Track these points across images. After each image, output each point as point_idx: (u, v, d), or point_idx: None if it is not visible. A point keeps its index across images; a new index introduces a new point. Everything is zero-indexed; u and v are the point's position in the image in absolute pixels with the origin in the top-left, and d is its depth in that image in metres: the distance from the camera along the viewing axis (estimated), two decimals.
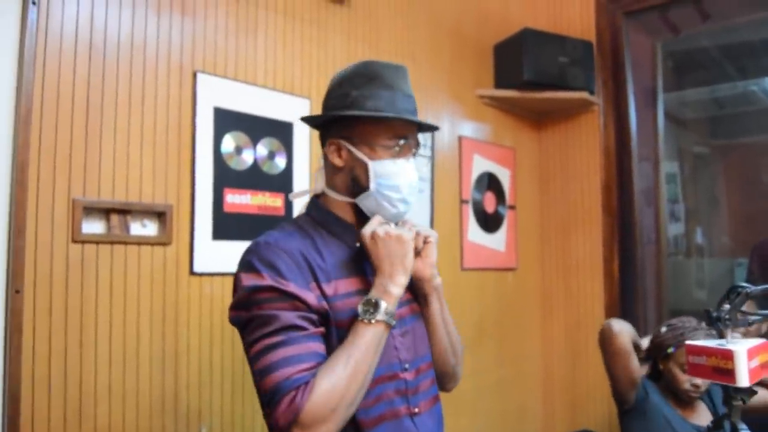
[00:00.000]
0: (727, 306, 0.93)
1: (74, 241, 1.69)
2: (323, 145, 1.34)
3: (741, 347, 0.88)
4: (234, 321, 1.19)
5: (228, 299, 1.97)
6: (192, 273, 1.92)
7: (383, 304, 1.13)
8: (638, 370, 1.99)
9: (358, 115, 1.23)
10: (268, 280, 1.13)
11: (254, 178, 2.09)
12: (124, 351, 1.77)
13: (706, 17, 3.28)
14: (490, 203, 3.03)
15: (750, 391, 0.90)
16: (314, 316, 1.14)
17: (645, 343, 2.08)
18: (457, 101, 2.87)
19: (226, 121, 2.02)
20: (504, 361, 3.03)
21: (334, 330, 1.17)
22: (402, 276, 1.18)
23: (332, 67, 2.35)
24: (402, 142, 1.25)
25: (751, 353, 0.89)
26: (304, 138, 2.23)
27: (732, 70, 4.29)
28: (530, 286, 3.28)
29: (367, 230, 1.21)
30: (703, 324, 2.02)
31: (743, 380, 0.87)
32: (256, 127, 2.10)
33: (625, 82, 3.14)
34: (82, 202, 1.70)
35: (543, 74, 2.95)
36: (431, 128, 1.35)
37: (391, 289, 1.16)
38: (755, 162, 5.30)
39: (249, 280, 1.15)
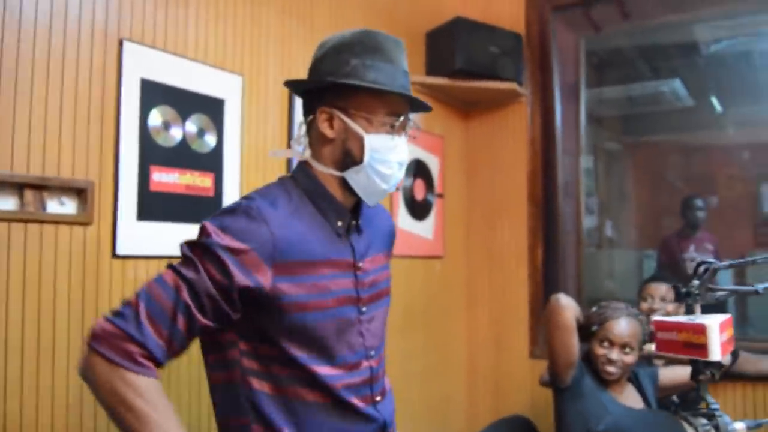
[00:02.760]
0: (696, 281, 0.94)
1: None
2: (310, 112, 1.27)
3: (713, 321, 0.88)
4: (181, 248, 1.16)
5: None
6: (115, 256, 1.78)
7: None
8: (577, 348, 2.02)
9: (359, 85, 1.18)
10: (222, 245, 1.11)
11: (182, 156, 1.97)
12: (39, 341, 1.62)
13: (626, 16, 3.39)
14: (419, 190, 3.02)
15: (719, 365, 0.91)
16: (236, 300, 1.12)
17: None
18: None
19: (153, 94, 1.89)
20: (430, 349, 3.03)
21: (293, 314, 1.14)
22: None
23: (265, 45, 2.26)
24: (400, 118, 1.22)
25: (723, 327, 0.89)
26: (236, 117, 2.13)
27: (645, 69, 4.48)
28: (456, 274, 3.29)
29: None
30: (630, 307, 2.10)
31: (716, 354, 0.87)
32: (185, 103, 1.98)
33: (552, 75, 3.20)
34: None
35: (474, 63, 2.95)
36: (426, 108, 1.31)
37: None
38: (662, 160, 5.59)
39: (209, 233, 1.13)
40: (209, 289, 1.10)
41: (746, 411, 2.66)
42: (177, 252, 1.91)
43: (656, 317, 0.98)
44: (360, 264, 1.28)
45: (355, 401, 1.21)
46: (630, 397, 2.01)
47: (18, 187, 1.60)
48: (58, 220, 1.67)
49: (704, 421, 0.91)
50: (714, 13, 3.34)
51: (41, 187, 1.64)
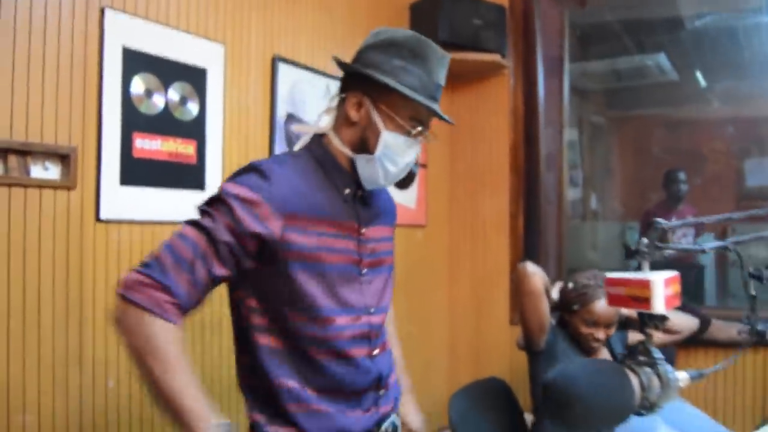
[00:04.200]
0: (644, 240, 0.99)
1: None
2: (345, 91, 1.35)
3: (658, 277, 0.93)
4: (198, 207, 1.24)
5: (138, 247, 1.91)
6: (98, 220, 1.82)
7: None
8: (548, 313, 2.07)
9: (392, 86, 1.25)
10: (236, 195, 1.19)
11: (165, 124, 2.00)
12: (24, 301, 1.67)
13: None
14: None
15: (663, 318, 0.96)
16: (250, 247, 1.20)
17: (554, 292, 2.18)
18: None
19: (135, 62, 1.92)
20: (412, 315, 3.09)
21: (297, 263, 1.23)
22: None
23: (247, 15, 2.27)
24: (419, 127, 1.31)
25: (667, 282, 0.95)
26: (218, 85, 2.15)
27: (630, 44, 4.50)
28: (438, 243, 3.35)
29: None
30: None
31: (659, 307, 0.93)
32: (167, 71, 2.01)
33: (535, 47, 3.23)
34: None
35: (458, 35, 2.98)
36: (448, 122, 1.38)
37: None
38: (646, 133, 5.63)
39: (226, 189, 1.21)
40: (224, 235, 1.17)
41: (716, 376, 2.75)
42: (160, 217, 1.97)
43: (609, 274, 1.04)
44: (363, 230, 1.36)
45: (353, 352, 1.30)
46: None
47: (2, 152, 1.64)
48: (42, 185, 1.71)
49: (648, 369, 0.98)
50: None
51: (25, 152, 1.68)
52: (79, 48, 1.79)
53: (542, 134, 3.27)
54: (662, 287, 0.93)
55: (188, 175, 2.06)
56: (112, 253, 1.86)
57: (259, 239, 1.20)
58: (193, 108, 2.08)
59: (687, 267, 4.13)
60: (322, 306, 1.26)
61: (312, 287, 1.25)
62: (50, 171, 1.75)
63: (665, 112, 5.52)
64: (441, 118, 1.33)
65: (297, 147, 1.41)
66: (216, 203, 1.21)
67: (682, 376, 1.00)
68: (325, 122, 1.38)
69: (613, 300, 1.01)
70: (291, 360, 1.26)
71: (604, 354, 2.11)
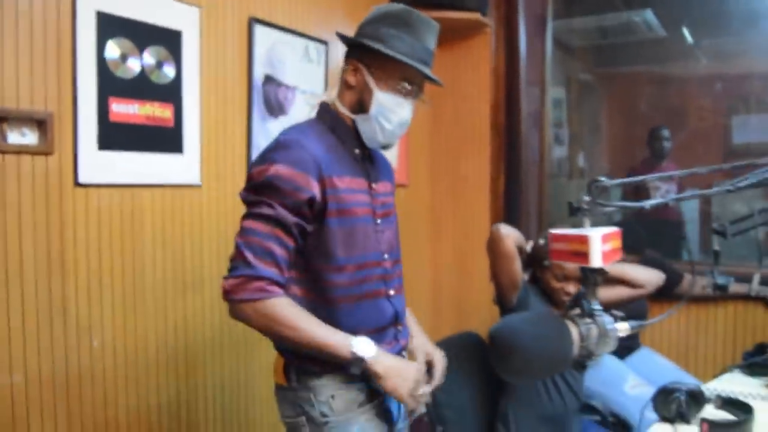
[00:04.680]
0: (586, 198, 1.04)
1: None
2: (346, 62, 1.51)
3: (596, 233, 0.98)
4: (243, 197, 1.41)
5: (118, 210, 1.96)
6: (77, 184, 1.86)
7: (365, 355, 1.33)
8: (520, 273, 2.13)
9: (380, 49, 1.40)
10: (279, 175, 1.33)
11: (141, 88, 2.02)
12: (6, 263, 1.71)
13: None
14: None
15: (602, 271, 1.01)
16: (307, 213, 1.36)
17: (529, 247, 2.24)
18: (351, 16, 2.85)
19: (109, 26, 1.93)
20: None
21: (334, 219, 1.40)
22: (382, 376, 1.36)
23: None
24: (407, 85, 1.45)
25: (605, 238, 0.99)
26: (194, 48, 2.17)
27: (616, 0, 4.47)
28: (421, 202, 3.40)
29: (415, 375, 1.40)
30: None
31: (597, 261, 0.98)
32: (142, 35, 2.02)
33: (517, 5, 3.22)
34: None
35: None
36: (437, 83, 1.50)
37: (376, 366, 1.34)
38: (634, 90, 5.61)
39: (263, 172, 1.35)
40: (286, 216, 1.34)
41: (689, 327, 2.84)
42: (139, 180, 2.01)
43: (552, 230, 1.08)
44: (374, 185, 1.54)
45: (373, 293, 1.49)
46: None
47: None
48: (19, 150, 1.74)
49: (588, 320, 1.03)
50: None
51: (1, 118, 1.70)
52: (51, 13, 1.80)
53: (524, 93, 3.28)
54: (599, 243, 0.97)
55: (166, 139, 2.09)
56: (92, 216, 1.90)
57: (310, 204, 1.36)
58: (169, 71, 2.10)
59: (671, 223, 4.19)
60: (347, 255, 1.43)
61: (340, 239, 1.42)
62: (27, 137, 1.78)
63: (653, 68, 5.49)
64: (428, 78, 1.47)
65: (312, 113, 1.56)
66: (263, 189, 1.35)
67: (621, 327, 1.05)
68: (333, 94, 1.54)
69: (556, 254, 1.06)
70: (321, 307, 1.42)
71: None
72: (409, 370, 1.38)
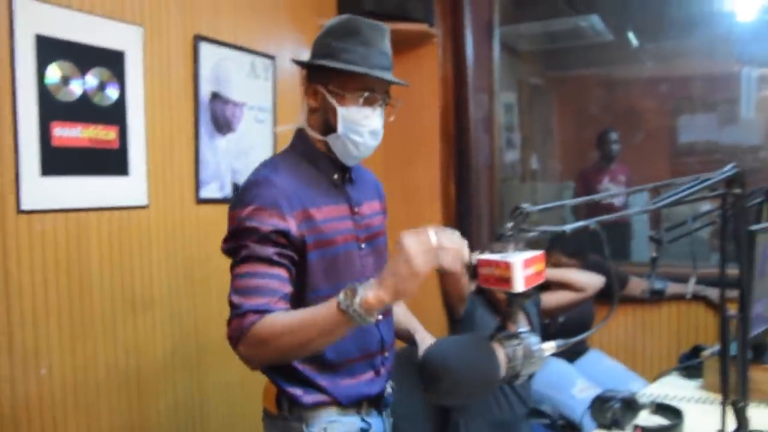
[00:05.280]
0: (509, 224, 1.08)
1: None
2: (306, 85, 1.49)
3: (518, 258, 1.02)
4: (224, 251, 1.38)
5: (63, 235, 1.95)
6: (20, 211, 1.84)
7: (358, 299, 1.18)
8: (466, 287, 2.18)
9: (331, 66, 1.38)
10: (250, 216, 1.31)
11: (84, 111, 2.01)
12: None
13: None
14: None
15: (525, 296, 1.06)
16: (288, 251, 1.33)
17: (474, 258, 2.28)
18: (298, 30, 2.87)
19: (49, 49, 1.91)
20: None
21: (314, 252, 1.37)
22: (387, 294, 1.20)
23: None
24: (367, 94, 1.41)
25: (528, 263, 1.04)
26: (138, 68, 2.16)
27: (563, 5, 4.57)
28: None
29: (408, 236, 1.25)
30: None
31: (519, 286, 1.02)
32: (84, 56, 2.01)
33: (463, 15, 3.27)
34: None
35: (383, 5, 2.99)
36: (400, 83, 1.47)
37: (370, 296, 1.18)
38: (584, 93, 5.76)
39: (235, 218, 1.34)
40: (262, 250, 1.30)
41: (635, 328, 2.93)
42: (84, 204, 1.99)
43: (479, 256, 1.12)
44: (357, 209, 1.51)
45: None
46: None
47: None
48: None
49: (514, 342, 1.07)
50: None
51: None
52: None
53: (472, 100, 3.34)
54: (521, 268, 1.02)
55: (111, 161, 2.08)
56: (36, 242, 1.88)
57: (286, 236, 1.32)
58: (112, 93, 2.09)
59: (618, 226, 4.30)
60: (330, 285, 1.39)
61: (321, 271, 1.39)
62: None
63: (601, 72, 5.64)
64: (387, 81, 1.43)
65: (282, 131, 1.56)
66: (237, 235, 1.33)
67: (548, 346, 1.10)
68: (302, 120, 1.52)
69: (483, 280, 1.09)
70: None
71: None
72: (409, 244, 1.22)
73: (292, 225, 1.34)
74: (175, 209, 2.28)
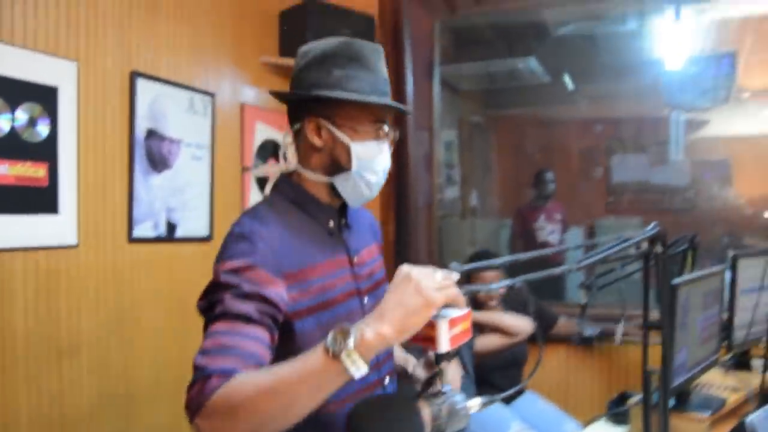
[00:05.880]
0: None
1: None
2: (297, 120, 1.30)
3: (443, 319, 1.03)
4: (199, 308, 1.16)
5: None
6: None
7: (352, 340, 0.97)
8: None
9: (343, 98, 1.22)
10: (235, 274, 1.12)
11: (12, 147, 1.95)
12: None
13: (478, 1, 3.59)
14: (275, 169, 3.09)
15: (450, 355, 1.07)
16: (272, 310, 1.12)
17: None
18: (240, 67, 2.86)
19: None
20: None
21: (309, 318, 1.19)
22: (391, 329, 1.00)
23: (102, 31, 2.23)
24: (385, 127, 1.27)
25: (453, 322, 1.05)
26: (71, 104, 2.12)
27: (502, 48, 4.72)
28: None
29: (405, 268, 1.06)
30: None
31: (444, 346, 1.03)
32: (14, 91, 1.96)
33: (403, 56, 3.33)
34: None
35: None
36: (406, 112, 1.39)
37: (368, 334, 0.98)
38: (522, 132, 5.94)
39: (217, 270, 1.14)
40: (240, 306, 1.09)
41: (568, 369, 2.99)
42: (10, 244, 1.93)
43: None
44: (355, 259, 1.34)
45: (365, 387, 1.26)
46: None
47: None
48: None
49: (439, 400, 1.08)
50: None
51: None
52: None
53: (413, 138, 3.38)
54: (446, 328, 1.03)
55: (39, 199, 2.02)
56: None
57: (268, 300, 1.12)
58: (43, 129, 2.04)
59: (552, 265, 4.41)
60: None
61: (319, 339, 1.04)
62: None
63: (539, 112, 5.83)
64: (400, 110, 1.34)
65: (267, 190, 1.36)
66: (216, 289, 1.13)
67: (473, 403, 1.12)
68: (292, 161, 1.33)
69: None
70: (308, 419, 1.05)
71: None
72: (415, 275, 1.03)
73: (280, 287, 1.14)
74: (106, 249, 2.22)
